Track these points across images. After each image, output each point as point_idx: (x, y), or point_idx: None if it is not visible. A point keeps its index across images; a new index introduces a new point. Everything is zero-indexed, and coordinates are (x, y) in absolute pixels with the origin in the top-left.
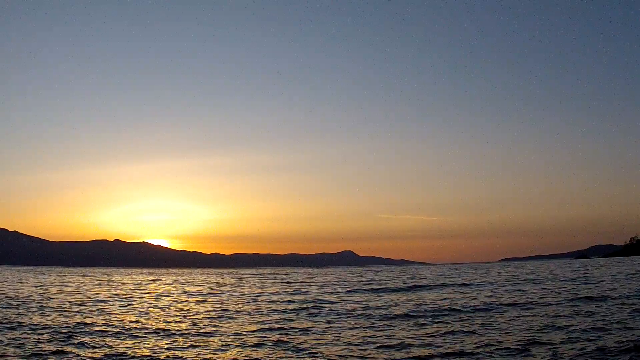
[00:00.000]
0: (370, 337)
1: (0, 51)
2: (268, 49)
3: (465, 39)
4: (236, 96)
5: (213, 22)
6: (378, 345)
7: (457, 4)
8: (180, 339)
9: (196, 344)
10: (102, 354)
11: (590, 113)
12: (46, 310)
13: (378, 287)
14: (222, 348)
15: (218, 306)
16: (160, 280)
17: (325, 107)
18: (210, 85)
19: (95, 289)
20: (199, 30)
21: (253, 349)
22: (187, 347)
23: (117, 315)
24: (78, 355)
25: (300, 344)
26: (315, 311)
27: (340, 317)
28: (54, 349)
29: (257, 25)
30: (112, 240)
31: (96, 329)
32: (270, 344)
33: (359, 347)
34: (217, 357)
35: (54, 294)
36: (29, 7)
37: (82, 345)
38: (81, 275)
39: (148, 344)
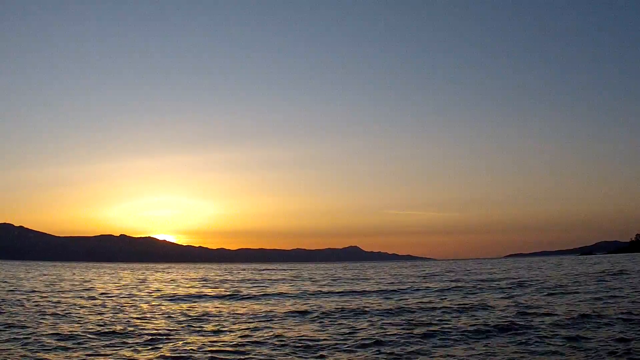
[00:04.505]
0: None
1: (4, 49)
2: (274, 45)
3: (471, 37)
4: (242, 91)
5: (216, 20)
6: None
7: (458, 3)
8: None
9: None
10: None
11: (596, 110)
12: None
13: None
14: None
15: None
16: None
17: (332, 103)
18: (215, 81)
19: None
20: (202, 27)
21: None
22: None
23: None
24: None
25: None
26: None
27: None
28: None
29: (261, 20)
30: (118, 235)
31: None
32: None
33: None
34: None
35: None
36: (29, 7)
37: None
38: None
39: None
